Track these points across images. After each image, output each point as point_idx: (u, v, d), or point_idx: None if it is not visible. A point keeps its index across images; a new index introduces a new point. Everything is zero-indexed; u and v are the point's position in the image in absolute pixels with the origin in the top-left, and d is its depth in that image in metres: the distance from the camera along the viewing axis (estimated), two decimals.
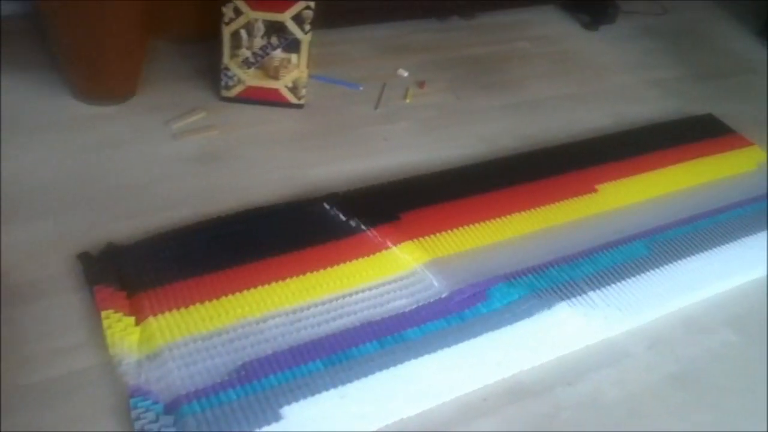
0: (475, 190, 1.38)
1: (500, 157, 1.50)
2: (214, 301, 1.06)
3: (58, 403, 0.91)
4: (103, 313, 0.98)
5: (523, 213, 1.34)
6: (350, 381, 0.97)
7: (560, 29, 2.09)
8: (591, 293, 1.19)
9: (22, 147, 1.29)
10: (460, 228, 1.28)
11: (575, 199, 1.40)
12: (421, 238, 1.24)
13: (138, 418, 0.87)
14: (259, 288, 1.09)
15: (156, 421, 0.87)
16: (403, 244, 1.22)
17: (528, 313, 1.13)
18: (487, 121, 1.63)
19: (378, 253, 1.20)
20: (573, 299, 1.17)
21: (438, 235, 1.25)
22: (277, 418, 0.91)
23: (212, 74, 1.53)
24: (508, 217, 1.32)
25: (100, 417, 0.90)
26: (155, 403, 0.89)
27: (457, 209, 1.32)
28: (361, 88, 1.64)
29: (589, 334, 1.13)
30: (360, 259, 1.18)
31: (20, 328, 0.99)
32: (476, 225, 1.29)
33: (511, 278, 1.19)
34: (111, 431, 0.89)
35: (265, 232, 1.20)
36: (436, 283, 1.16)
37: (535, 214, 1.35)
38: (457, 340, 1.07)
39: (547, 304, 1.15)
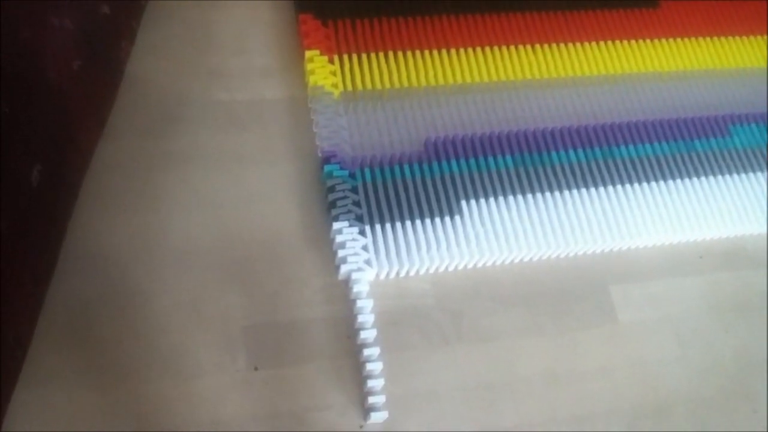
0: None
1: None
2: (419, 53, 0.89)
3: (248, 124, 0.84)
4: (308, 53, 0.85)
5: None
6: (541, 192, 0.83)
7: None
8: None
9: None
10: (730, 37, 1.00)
11: None
12: (681, 39, 0.99)
13: (330, 177, 0.79)
14: (472, 49, 0.91)
15: (342, 182, 0.79)
16: (657, 40, 0.98)
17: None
18: None
19: (619, 42, 0.97)
20: None
21: (703, 39, 1.00)
22: (454, 211, 0.79)
23: None
24: None
25: (286, 146, 0.83)
26: (342, 168, 0.80)
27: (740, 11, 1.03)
28: None
29: None
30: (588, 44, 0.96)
31: (215, 35, 0.89)
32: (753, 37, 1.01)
33: (759, 120, 0.95)
34: (297, 168, 0.82)
35: None
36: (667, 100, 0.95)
37: None
38: (681, 174, 0.88)
39: None
